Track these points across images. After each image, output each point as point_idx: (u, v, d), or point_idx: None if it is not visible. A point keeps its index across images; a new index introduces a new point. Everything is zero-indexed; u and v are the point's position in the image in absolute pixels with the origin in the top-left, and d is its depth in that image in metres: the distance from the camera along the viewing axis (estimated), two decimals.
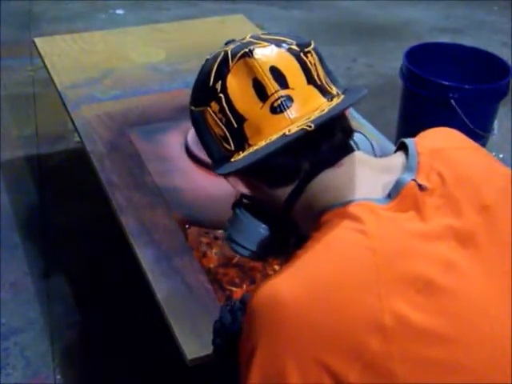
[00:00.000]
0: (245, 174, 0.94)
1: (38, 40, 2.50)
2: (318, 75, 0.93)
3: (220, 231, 1.53)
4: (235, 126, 0.91)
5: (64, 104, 2.07)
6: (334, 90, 0.94)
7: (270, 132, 0.89)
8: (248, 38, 0.96)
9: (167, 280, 1.39)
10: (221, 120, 0.92)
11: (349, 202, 0.87)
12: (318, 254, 0.84)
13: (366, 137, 1.06)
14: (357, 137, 1.01)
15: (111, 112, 2.02)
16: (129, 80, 2.22)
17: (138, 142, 1.88)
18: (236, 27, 2.58)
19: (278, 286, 0.82)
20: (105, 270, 2.26)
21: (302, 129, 0.86)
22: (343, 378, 0.77)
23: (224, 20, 2.78)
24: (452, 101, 2.37)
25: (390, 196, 0.88)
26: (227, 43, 0.98)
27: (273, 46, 0.93)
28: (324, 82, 0.94)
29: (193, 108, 0.98)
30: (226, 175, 0.95)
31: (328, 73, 0.96)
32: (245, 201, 1.04)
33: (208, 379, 1.51)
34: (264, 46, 0.93)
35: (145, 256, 1.44)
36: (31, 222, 2.53)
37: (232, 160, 0.92)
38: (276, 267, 1.42)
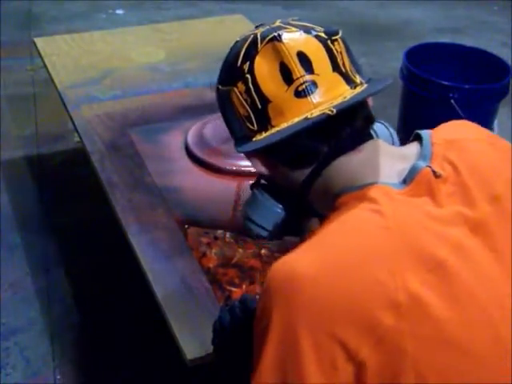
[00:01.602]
0: (265, 153, 0.96)
1: (38, 40, 2.50)
2: (343, 63, 0.95)
3: (220, 231, 1.53)
4: (259, 106, 0.93)
5: (64, 104, 2.07)
6: (358, 79, 0.96)
7: (293, 115, 0.91)
8: (278, 23, 0.98)
9: (167, 280, 1.39)
10: (246, 100, 0.95)
11: (365, 186, 0.89)
12: (334, 232, 0.86)
13: (386, 126, 1.08)
14: (377, 126, 1.03)
15: (111, 112, 2.02)
16: (129, 80, 2.22)
17: (138, 142, 1.88)
18: (236, 27, 2.58)
19: (295, 261, 0.84)
20: (105, 270, 2.26)
21: (324, 113, 0.88)
22: (355, 353, 0.78)
23: (224, 20, 2.78)
24: (452, 101, 2.37)
25: (405, 182, 0.90)
26: (257, 27, 1.00)
27: (301, 32, 0.95)
28: (349, 70, 0.96)
29: (219, 87, 1.00)
30: (246, 154, 0.98)
31: (353, 62, 0.97)
32: (262, 181, 1.06)
33: (208, 379, 1.51)
34: (293, 32, 0.95)
35: (145, 256, 1.44)
36: (31, 222, 2.53)
37: (254, 139, 0.94)
38: None
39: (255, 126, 0.94)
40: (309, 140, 0.92)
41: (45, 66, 2.32)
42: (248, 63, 0.94)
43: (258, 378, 0.83)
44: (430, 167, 0.90)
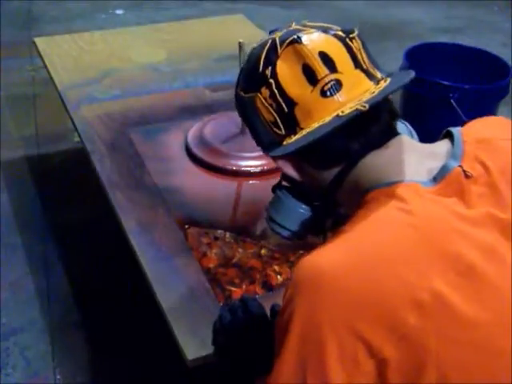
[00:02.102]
0: (295, 156, 0.96)
1: (38, 40, 2.50)
2: (363, 60, 0.95)
3: (220, 231, 1.53)
4: (286, 110, 0.93)
5: (64, 104, 2.07)
6: (379, 75, 0.96)
7: (321, 115, 0.91)
8: (294, 26, 0.98)
9: (167, 280, 1.38)
10: (271, 105, 0.94)
11: (394, 183, 0.89)
12: (361, 229, 0.86)
13: (406, 125, 1.07)
14: (397, 124, 1.02)
15: (111, 112, 2.02)
16: (129, 80, 2.22)
17: (138, 142, 1.88)
18: (236, 27, 2.58)
19: (321, 258, 0.84)
20: (105, 270, 2.26)
21: (357, 109, 0.87)
22: (377, 350, 0.78)
23: (224, 20, 2.78)
24: (452, 101, 2.37)
25: (435, 180, 0.89)
26: (271, 32, 1.00)
27: (319, 32, 0.95)
28: (369, 66, 0.96)
29: (242, 94, 1.00)
30: (276, 158, 0.98)
31: (371, 58, 0.97)
32: (284, 183, 1.06)
33: (208, 379, 1.51)
34: (311, 33, 0.95)
35: (145, 256, 1.44)
36: (31, 221, 2.53)
37: (284, 143, 0.94)
38: (276, 267, 1.42)
39: (283, 130, 0.94)
40: (339, 139, 0.92)
41: (45, 66, 2.32)
42: (270, 68, 0.94)
43: (279, 371, 0.84)
44: (461, 167, 0.89)
